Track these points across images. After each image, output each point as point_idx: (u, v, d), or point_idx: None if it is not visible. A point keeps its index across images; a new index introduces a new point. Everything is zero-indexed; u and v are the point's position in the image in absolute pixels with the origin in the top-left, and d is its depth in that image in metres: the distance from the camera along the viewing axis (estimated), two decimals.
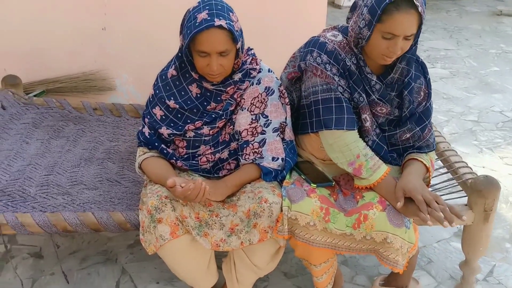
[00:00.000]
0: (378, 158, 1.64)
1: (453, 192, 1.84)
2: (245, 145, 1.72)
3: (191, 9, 1.61)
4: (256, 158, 1.70)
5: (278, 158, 1.71)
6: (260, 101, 1.73)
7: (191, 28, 1.55)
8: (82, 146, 2.21)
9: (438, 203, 1.49)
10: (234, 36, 1.57)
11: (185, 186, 1.49)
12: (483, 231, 1.70)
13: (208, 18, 1.54)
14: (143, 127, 1.77)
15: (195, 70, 1.66)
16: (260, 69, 1.75)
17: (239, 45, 1.61)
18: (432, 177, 1.89)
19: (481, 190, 1.64)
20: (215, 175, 1.78)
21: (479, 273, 1.86)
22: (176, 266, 1.69)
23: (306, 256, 1.69)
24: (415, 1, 1.45)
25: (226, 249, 1.62)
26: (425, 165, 1.67)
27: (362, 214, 1.55)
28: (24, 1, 2.77)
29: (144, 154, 1.75)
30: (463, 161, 1.85)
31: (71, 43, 2.96)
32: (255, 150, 1.71)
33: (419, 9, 1.46)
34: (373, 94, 1.65)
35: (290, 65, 1.79)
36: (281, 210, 1.58)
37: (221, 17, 1.55)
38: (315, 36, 1.71)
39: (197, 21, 1.54)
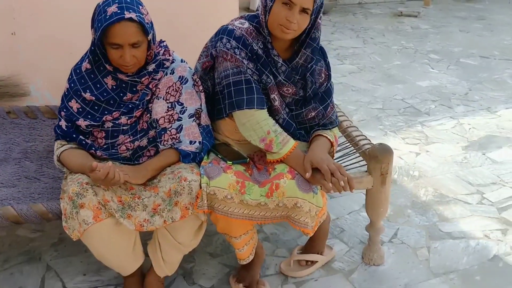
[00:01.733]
0: (286, 134, 1.79)
1: (356, 163, 2.04)
2: (163, 132, 1.81)
3: (100, 3, 1.67)
4: (174, 143, 1.79)
5: (195, 142, 1.81)
6: (174, 90, 1.82)
7: (101, 22, 1.61)
8: None
9: (341, 173, 1.67)
10: (145, 28, 1.65)
11: (101, 171, 1.55)
12: (382, 193, 1.91)
13: (118, 11, 1.61)
14: (60, 120, 1.80)
15: (109, 63, 1.72)
16: (173, 59, 1.85)
17: (150, 36, 1.69)
18: (337, 151, 2.09)
19: (377, 156, 1.84)
20: (136, 162, 1.84)
21: (382, 233, 2.06)
22: (101, 250, 1.73)
23: (226, 230, 1.80)
24: None
25: (150, 229, 1.69)
26: (329, 139, 1.85)
27: (274, 183, 1.69)
28: None
29: (62, 146, 1.78)
30: (363, 135, 2.06)
31: None
32: (173, 136, 1.80)
33: None
34: (279, 75, 1.80)
35: (203, 55, 1.90)
36: (200, 187, 1.68)
37: (130, 10, 1.63)
38: (224, 25, 1.84)
39: (107, 15, 1.61)
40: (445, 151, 3.08)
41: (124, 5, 1.63)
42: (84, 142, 1.77)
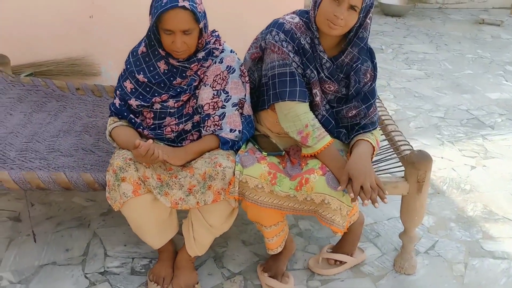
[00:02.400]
0: (324, 129, 1.82)
1: (395, 167, 2.02)
2: (206, 118, 1.90)
3: None
4: (216, 130, 1.88)
5: (235, 130, 1.88)
6: (221, 78, 1.91)
7: (157, 8, 1.73)
8: (62, 120, 2.39)
9: (379, 195, 1.67)
10: (197, 16, 1.74)
11: (142, 148, 1.66)
12: (417, 201, 1.88)
13: (171, 0, 1.71)
14: (115, 98, 1.95)
15: (162, 48, 1.84)
16: (223, 49, 1.93)
17: (201, 25, 1.79)
18: (377, 154, 2.08)
19: (414, 162, 1.82)
20: (179, 145, 1.95)
21: (416, 242, 2.03)
22: (139, 222, 1.85)
23: (257, 218, 1.87)
24: None
25: (184, 207, 1.79)
26: (372, 144, 1.85)
27: (304, 178, 1.72)
28: None
29: (114, 123, 1.92)
30: (405, 140, 2.03)
31: (60, 30, 3.14)
32: (216, 122, 1.89)
33: None
34: (323, 71, 1.83)
35: (253, 46, 1.97)
36: (234, 174, 1.75)
37: (182, 3, 1.73)
38: (276, 18, 1.89)
39: (163, 2, 1.72)
40: (504, 168, 2.93)
41: None
42: (133, 120, 1.90)
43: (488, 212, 2.51)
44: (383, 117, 2.25)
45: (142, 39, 1.92)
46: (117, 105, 1.93)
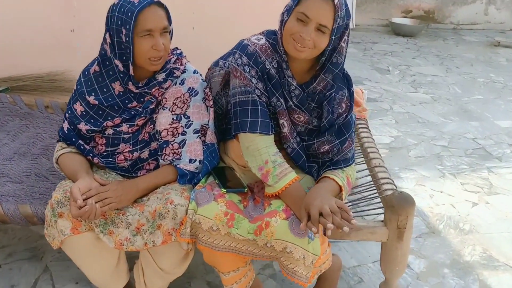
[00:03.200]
0: (287, 166, 1.59)
1: (376, 208, 1.78)
2: (164, 145, 1.70)
3: (116, 1, 1.60)
4: (174, 160, 1.68)
5: (195, 160, 1.68)
6: (182, 102, 1.71)
7: (132, 10, 1.54)
8: (21, 140, 2.21)
9: (342, 217, 1.43)
10: (169, 15, 1.60)
11: (81, 209, 1.47)
12: (398, 250, 1.64)
13: None
14: (63, 122, 1.76)
15: (123, 71, 1.63)
16: (184, 69, 1.73)
17: (171, 27, 1.63)
18: (361, 192, 1.85)
19: (394, 206, 1.58)
20: (134, 175, 1.75)
21: None
22: (81, 263, 1.66)
23: (213, 262, 1.65)
24: None
25: (130, 248, 1.58)
26: (337, 183, 1.61)
27: (265, 221, 1.50)
28: None
29: (62, 149, 1.73)
30: (389, 178, 1.80)
31: (40, 43, 2.99)
32: (175, 150, 1.69)
33: (335, 1, 1.45)
34: (291, 99, 1.62)
35: (217, 69, 1.77)
36: (186, 213, 1.54)
37: None
38: (241, 39, 1.69)
39: (135, 1, 1.55)
40: (509, 206, 2.66)
41: None
42: (82, 147, 1.71)
43: (488, 257, 2.24)
44: (368, 149, 2.02)
45: (95, 58, 1.74)
46: (65, 129, 1.74)
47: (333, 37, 1.50)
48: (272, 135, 1.61)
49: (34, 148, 2.18)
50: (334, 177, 1.60)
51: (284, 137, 1.64)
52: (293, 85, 1.60)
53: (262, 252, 1.53)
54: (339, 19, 1.48)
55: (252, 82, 1.58)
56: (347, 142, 1.65)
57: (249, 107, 1.58)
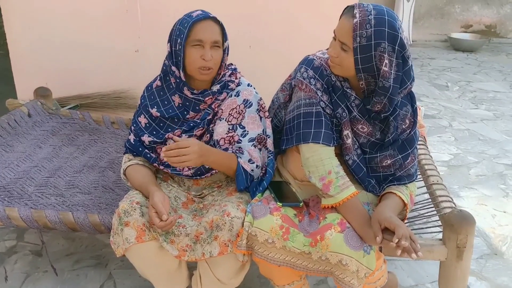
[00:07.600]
0: (348, 179, 1.61)
1: (434, 226, 1.75)
2: (225, 151, 1.77)
3: (181, 17, 1.72)
4: (237, 152, 1.75)
5: (253, 162, 1.73)
6: (237, 112, 1.78)
7: (188, 21, 1.67)
8: (89, 154, 2.36)
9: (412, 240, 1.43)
10: (225, 32, 1.70)
11: (167, 221, 1.57)
12: (457, 269, 1.60)
13: (203, 13, 1.69)
14: (129, 134, 1.87)
15: (178, 77, 1.73)
16: (239, 82, 1.82)
17: (226, 44, 1.72)
18: (418, 209, 1.83)
19: (453, 224, 1.55)
20: (198, 178, 1.84)
21: None
22: (144, 271, 1.74)
23: (269, 275, 1.68)
24: None
25: (191, 259, 1.65)
26: (403, 200, 1.61)
27: (320, 234, 1.52)
28: (65, 24, 3.04)
29: (129, 161, 1.84)
30: (448, 196, 1.76)
31: (107, 63, 3.18)
32: (237, 149, 1.76)
33: (355, 20, 1.50)
34: (353, 110, 1.64)
35: (287, 87, 1.82)
36: (243, 226, 1.59)
37: (213, 15, 1.71)
38: (307, 55, 1.75)
39: (193, 15, 1.68)
40: None
41: (206, 12, 1.71)
42: (149, 155, 1.81)
43: None
44: (426, 166, 1.99)
45: (157, 75, 1.86)
46: (132, 141, 1.85)
47: (358, 57, 1.51)
48: (333, 147, 1.63)
49: (101, 161, 2.32)
50: (400, 194, 1.60)
51: (346, 149, 1.66)
52: (352, 95, 1.63)
53: (317, 266, 1.55)
54: (359, 38, 1.49)
55: (318, 95, 1.63)
56: (409, 158, 1.65)
57: (313, 119, 1.62)
